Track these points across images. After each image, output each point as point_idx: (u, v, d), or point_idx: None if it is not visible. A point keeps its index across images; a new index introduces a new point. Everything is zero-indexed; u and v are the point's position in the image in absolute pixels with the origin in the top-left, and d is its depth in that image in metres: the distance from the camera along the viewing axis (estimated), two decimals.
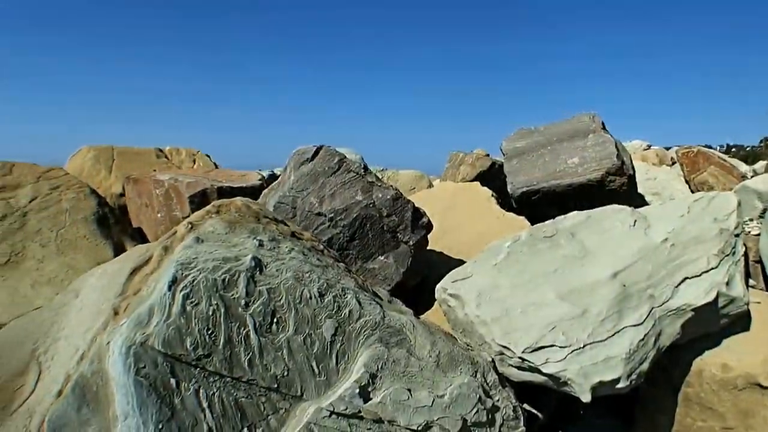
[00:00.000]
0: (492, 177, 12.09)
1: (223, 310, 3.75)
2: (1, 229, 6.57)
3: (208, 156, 11.81)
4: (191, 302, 3.70)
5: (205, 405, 3.55)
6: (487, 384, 4.33)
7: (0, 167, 7.55)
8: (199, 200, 7.48)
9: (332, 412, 3.71)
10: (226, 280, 3.84)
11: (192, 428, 3.48)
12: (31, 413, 3.95)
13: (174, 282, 3.73)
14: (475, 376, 4.28)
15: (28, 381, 4.24)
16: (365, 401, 3.81)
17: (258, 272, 3.96)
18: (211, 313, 3.71)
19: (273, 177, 10.72)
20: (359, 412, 3.76)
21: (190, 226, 4.25)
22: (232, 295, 3.81)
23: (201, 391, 3.57)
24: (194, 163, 11.37)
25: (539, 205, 8.98)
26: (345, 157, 6.72)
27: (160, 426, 3.44)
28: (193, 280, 3.76)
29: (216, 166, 11.34)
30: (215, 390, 3.60)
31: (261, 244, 4.16)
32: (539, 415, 5.48)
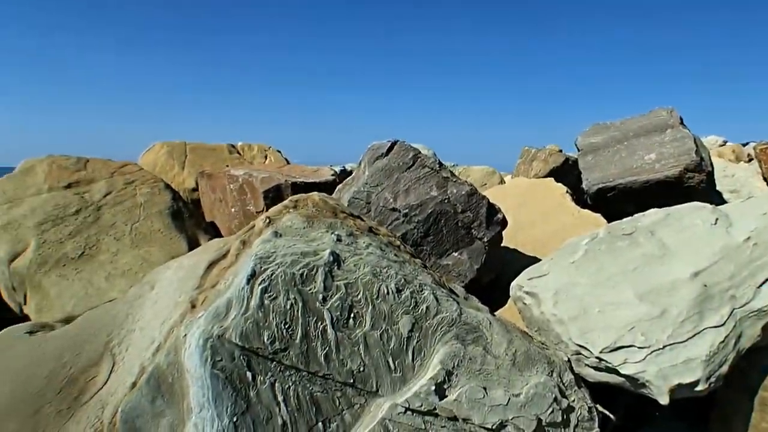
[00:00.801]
0: (565, 173, 11.93)
1: (300, 305, 3.74)
2: (76, 223, 6.71)
3: (280, 151, 11.88)
4: (269, 296, 3.70)
5: (280, 399, 3.55)
6: (563, 384, 4.24)
7: (74, 163, 7.72)
8: (273, 195, 7.52)
9: (407, 409, 3.67)
10: (304, 274, 3.83)
11: (266, 422, 3.49)
12: (104, 404, 3.99)
13: (252, 276, 3.74)
14: (551, 375, 4.19)
15: (102, 372, 4.29)
16: (440, 398, 3.77)
17: (336, 267, 3.95)
18: (288, 307, 3.71)
19: (344, 172, 10.74)
20: (434, 409, 3.71)
21: (268, 220, 4.26)
22: (310, 289, 3.80)
23: (277, 384, 3.57)
24: (266, 159, 11.45)
25: (615, 202, 8.80)
26: (420, 152, 6.66)
27: (235, 419, 3.45)
28: (272, 274, 3.76)
29: (287, 162, 11.40)
30: (291, 384, 3.60)
31: (339, 239, 4.14)
32: (612, 416, 5.38)
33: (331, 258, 3.95)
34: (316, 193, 4.77)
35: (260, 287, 3.70)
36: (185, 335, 3.67)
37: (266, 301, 3.68)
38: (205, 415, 3.48)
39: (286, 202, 4.54)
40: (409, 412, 3.66)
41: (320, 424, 3.56)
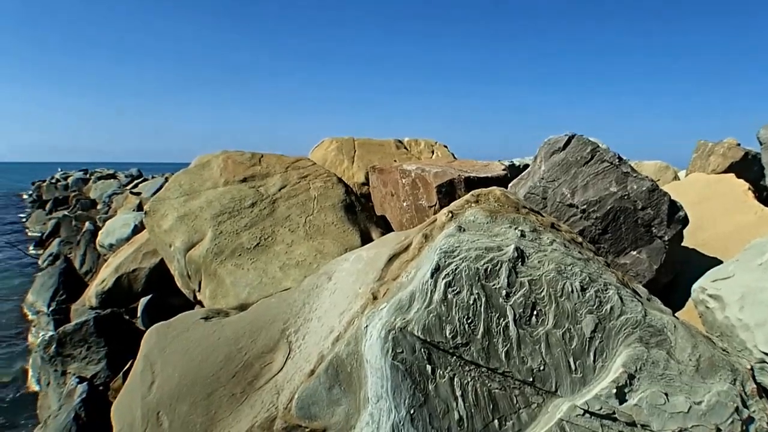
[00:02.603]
0: (745, 168, 11.23)
1: (483, 300, 3.69)
2: (252, 215, 6.95)
3: (446, 146, 11.84)
4: (453, 290, 3.67)
5: (458, 393, 3.54)
6: (745, 393, 3.95)
7: (249, 158, 8.01)
8: (446, 190, 7.50)
9: (586, 411, 3.55)
10: (488, 269, 3.78)
11: (443, 415, 3.50)
12: (279, 389, 4.07)
13: (437, 270, 3.74)
14: (734, 383, 3.91)
15: (277, 358, 4.38)
16: (621, 402, 3.61)
17: (520, 263, 3.87)
18: (472, 302, 3.66)
19: (513, 167, 10.54)
20: (613, 413, 3.56)
21: (450, 214, 4.22)
22: (494, 285, 3.74)
23: (456, 379, 3.57)
24: (433, 154, 11.48)
25: None
26: (598, 145, 6.39)
27: (412, 411, 3.48)
28: (456, 269, 3.74)
29: (454, 157, 11.34)
30: (470, 379, 3.58)
31: (522, 235, 4.05)
32: None
33: (516, 254, 3.87)
34: (497, 187, 4.70)
35: (444, 281, 3.68)
36: (366, 326, 3.72)
37: (450, 296, 3.65)
38: (383, 405, 3.51)
39: (467, 196, 4.49)
40: (587, 415, 3.55)
41: (496, 421, 3.54)
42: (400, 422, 3.43)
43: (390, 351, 3.53)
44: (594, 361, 3.75)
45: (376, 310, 3.73)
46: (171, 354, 4.86)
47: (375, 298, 3.88)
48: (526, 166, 9.13)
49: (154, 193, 17.97)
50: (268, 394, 4.14)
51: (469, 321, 3.62)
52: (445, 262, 3.76)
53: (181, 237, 7.05)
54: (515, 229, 4.10)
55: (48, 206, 33.94)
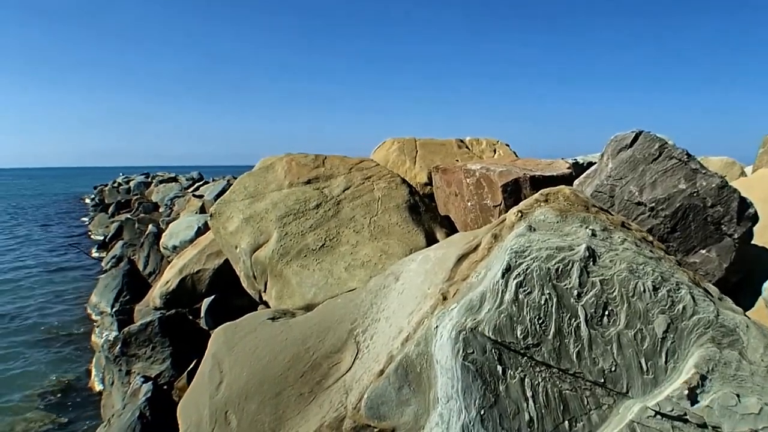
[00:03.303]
0: None
1: (555, 300, 3.67)
2: (317, 216, 7.02)
3: (508, 145, 11.73)
4: (524, 290, 3.66)
5: (529, 394, 3.52)
6: None
7: (313, 160, 8.08)
8: (512, 189, 7.42)
9: (657, 413, 3.48)
10: (560, 269, 3.75)
11: (513, 416, 3.48)
12: (348, 389, 4.10)
13: (508, 270, 3.73)
14: None
15: (345, 358, 4.41)
16: (692, 404, 3.53)
17: (591, 262, 3.83)
18: (543, 302, 3.64)
19: (576, 165, 10.36)
20: (684, 414, 3.49)
21: (520, 214, 4.21)
22: (565, 285, 3.72)
23: (526, 380, 3.55)
24: (494, 153, 11.38)
25: None
26: (666, 142, 6.26)
27: (482, 412, 3.48)
28: (527, 269, 3.72)
29: (515, 155, 11.21)
30: (540, 380, 3.55)
31: (593, 234, 4.01)
32: None
33: (587, 253, 3.83)
34: (565, 186, 4.66)
35: (515, 281, 3.67)
36: (437, 327, 3.72)
37: (521, 296, 3.64)
38: (453, 406, 3.51)
39: (536, 195, 4.46)
40: (658, 416, 3.48)
41: (566, 422, 3.51)
42: (470, 423, 3.43)
43: (461, 351, 3.53)
44: (666, 361, 3.69)
45: (446, 310, 3.74)
46: (239, 354, 4.92)
47: (445, 298, 3.89)
48: (590, 163, 9.00)
49: (217, 196, 18.24)
50: (336, 393, 4.17)
51: (540, 321, 3.60)
52: (516, 262, 3.74)
53: (247, 238, 7.14)
54: (586, 228, 4.06)
55: (110, 210, 34.75)
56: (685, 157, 6.11)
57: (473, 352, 3.52)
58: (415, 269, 4.58)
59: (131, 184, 45.30)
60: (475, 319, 3.58)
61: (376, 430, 3.79)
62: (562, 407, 3.49)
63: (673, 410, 3.50)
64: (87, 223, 36.13)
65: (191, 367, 7.51)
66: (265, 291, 6.93)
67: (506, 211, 6.68)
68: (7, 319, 14.65)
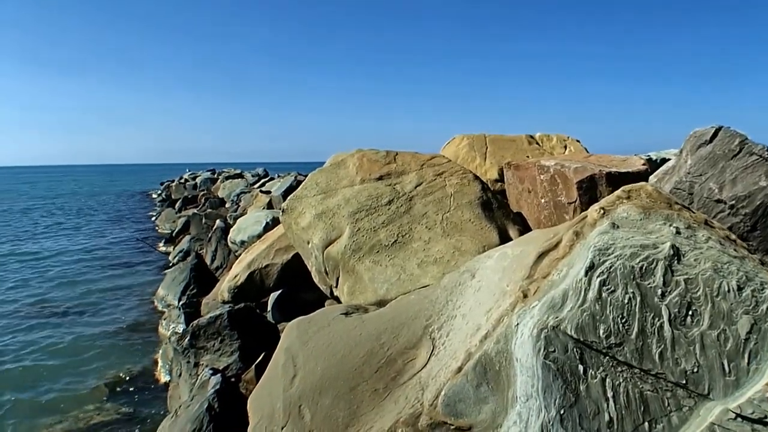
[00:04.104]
0: None
1: (639, 299, 3.61)
2: (389, 212, 7.02)
3: (578, 141, 11.55)
4: (607, 289, 3.61)
5: (609, 395, 3.47)
6: None
7: (384, 156, 8.08)
8: (587, 186, 7.28)
9: (738, 415, 3.39)
10: (644, 268, 3.69)
11: (593, 417, 3.44)
12: (424, 386, 4.08)
13: (591, 267, 3.69)
14: None
15: (420, 354, 4.40)
16: None
17: (676, 261, 3.75)
18: (626, 301, 3.58)
19: (650, 162, 10.10)
20: (766, 417, 3.38)
21: (602, 211, 4.15)
22: (649, 284, 3.65)
23: (607, 380, 3.50)
24: (565, 149, 11.21)
25: None
26: (746, 138, 6.07)
27: (562, 411, 3.44)
28: (611, 267, 3.67)
29: (587, 151, 11.01)
30: (621, 380, 3.50)
31: (678, 232, 3.93)
32: None
33: (672, 251, 3.76)
34: (647, 183, 4.59)
35: (598, 279, 3.62)
36: (517, 324, 3.68)
37: (604, 294, 3.59)
38: (532, 405, 3.48)
39: (618, 192, 4.39)
40: (739, 419, 3.39)
41: (646, 424, 3.44)
42: (549, 422, 3.40)
43: (542, 350, 3.50)
44: (748, 363, 3.58)
45: (527, 308, 3.70)
46: (313, 348, 4.95)
47: (525, 296, 3.85)
48: (663, 160, 8.83)
49: (285, 192, 18.41)
50: (412, 390, 4.16)
51: (623, 321, 3.54)
52: (599, 259, 3.69)
53: (319, 234, 7.19)
54: (670, 225, 3.97)
55: (177, 205, 35.38)
56: (766, 153, 5.93)
57: (554, 351, 3.49)
58: (492, 266, 4.54)
59: (198, 180, 46.09)
60: (557, 318, 3.54)
61: (452, 427, 3.77)
62: (642, 408, 3.43)
63: (754, 413, 3.40)
64: (154, 218, 36.90)
65: (259, 360, 7.59)
66: (336, 286, 6.96)
67: (581, 209, 6.58)
68: (76, 310, 15.10)
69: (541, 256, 4.11)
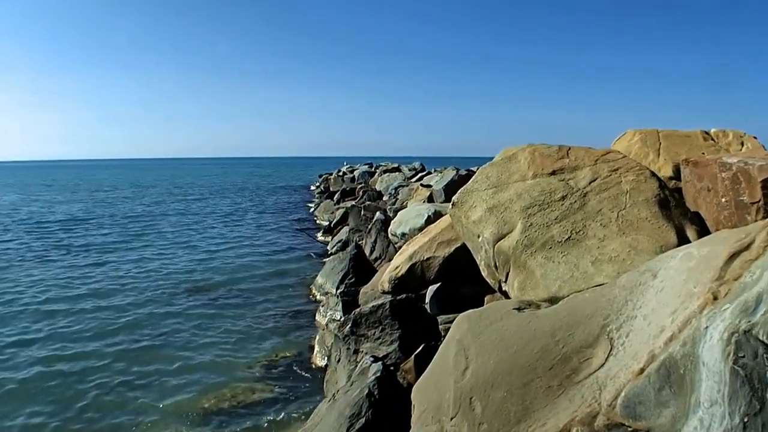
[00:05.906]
0: None
1: None
2: (562, 208, 6.97)
3: (755, 137, 11.02)
4: None
5: None
6: None
7: (556, 151, 8.03)
8: None
9: None
10: None
11: None
12: (601, 385, 4.05)
13: None
14: None
15: (597, 354, 4.36)
16: None
17: None
18: None
19: None
20: None
21: None
22: None
23: None
24: (742, 146, 10.70)
25: None
26: None
27: (746, 419, 3.33)
28: None
29: (765, 149, 10.49)
30: None
31: None
32: None
33: None
34: None
35: None
36: (706, 327, 3.60)
37: None
38: (715, 411, 3.41)
39: None
40: None
41: None
42: (732, 430, 3.32)
43: (731, 355, 3.41)
44: None
45: (717, 310, 3.61)
46: (486, 341, 5.00)
47: (715, 298, 3.75)
48: None
49: (447, 186, 18.50)
50: (588, 389, 4.14)
51: None
52: None
53: (491, 228, 7.23)
54: None
55: (336, 197, 36.40)
56: None
57: (744, 356, 3.39)
58: (676, 266, 4.43)
59: (355, 173, 47.15)
60: (749, 322, 3.43)
61: (629, 429, 3.75)
62: None
63: None
64: (312, 209, 38.09)
65: (419, 351, 7.73)
66: (506, 281, 6.97)
67: (764, 209, 6.26)
68: (239, 295, 15.87)
69: (732, 256, 3.97)
